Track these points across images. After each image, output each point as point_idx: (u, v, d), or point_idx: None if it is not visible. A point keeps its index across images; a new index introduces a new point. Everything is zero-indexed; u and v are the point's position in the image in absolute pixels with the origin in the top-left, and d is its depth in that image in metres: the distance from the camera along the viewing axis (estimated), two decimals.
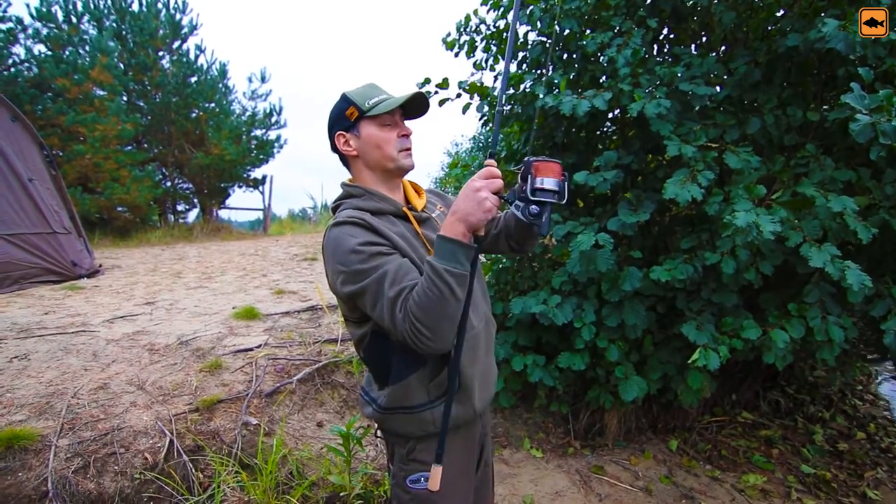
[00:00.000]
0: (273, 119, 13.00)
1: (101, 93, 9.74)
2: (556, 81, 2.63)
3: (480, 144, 10.78)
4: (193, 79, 11.76)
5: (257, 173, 13.45)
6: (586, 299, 2.57)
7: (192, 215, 13.50)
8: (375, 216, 1.14)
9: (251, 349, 3.11)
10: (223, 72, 12.47)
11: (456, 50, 3.22)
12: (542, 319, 2.48)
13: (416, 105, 1.21)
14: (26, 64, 9.85)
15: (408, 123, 1.24)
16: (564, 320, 2.44)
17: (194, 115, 11.79)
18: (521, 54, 3.16)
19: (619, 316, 2.47)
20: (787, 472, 2.76)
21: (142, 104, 11.45)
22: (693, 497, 2.53)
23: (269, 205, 13.77)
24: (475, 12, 3.15)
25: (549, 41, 2.93)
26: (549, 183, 1.02)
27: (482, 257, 2.49)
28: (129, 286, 5.14)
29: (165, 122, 11.51)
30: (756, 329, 2.19)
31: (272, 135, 13.13)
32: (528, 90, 2.71)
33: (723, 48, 2.79)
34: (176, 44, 11.85)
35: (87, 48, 10.20)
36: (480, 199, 0.98)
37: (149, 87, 11.36)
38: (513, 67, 3.13)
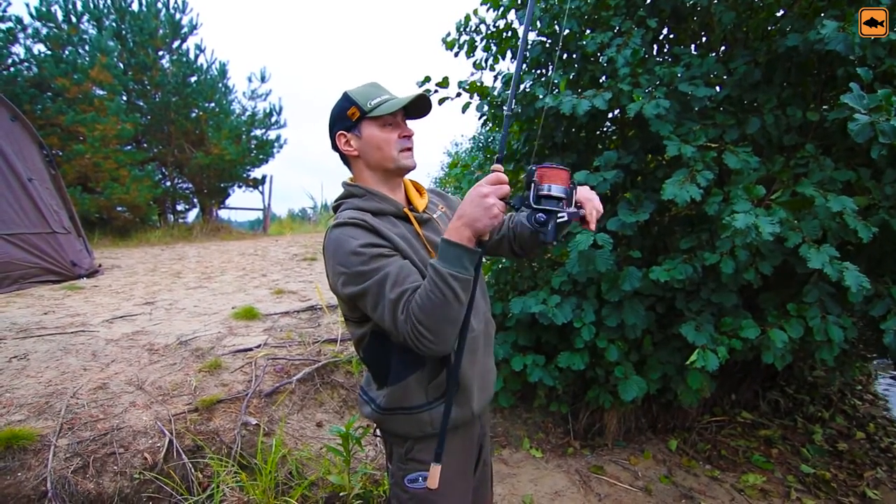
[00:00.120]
0: (273, 119, 13.00)
1: (101, 92, 9.74)
2: (556, 82, 2.63)
3: (480, 144, 10.78)
4: (193, 78, 11.75)
5: (257, 173, 13.45)
6: (586, 299, 2.57)
7: (192, 215, 13.52)
8: (376, 217, 1.14)
9: (251, 349, 3.11)
10: (223, 71, 12.47)
11: (456, 50, 3.22)
12: (542, 319, 2.48)
13: (418, 106, 1.21)
14: (26, 63, 9.85)
15: (409, 124, 1.23)
16: (564, 320, 2.44)
17: (194, 114, 11.78)
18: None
19: (619, 316, 2.47)
20: (787, 471, 2.76)
21: (141, 104, 11.45)
22: (693, 497, 2.53)
23: (269, 205, 13.77)
24: (475, 12, 3.14)
25: (549, 41, 2.93)
26: (556, 190, 1.01)
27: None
28: (128, 286, 5.13)
29: (165, 121, 11.51)
30: (755, 329, 2.19)
31: (272, 134, 13.14)
32: (528, 90, 2.71)
33: (722, 48, 2.79)
34: (176, 43, 11.84)
35: (87, 48, 10.20)
36: (487, 205, 0.96)
37: (148, 87, 11.35)
38: (512, 67, 3.12)
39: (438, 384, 1.16)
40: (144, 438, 2.16)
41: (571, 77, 2.76)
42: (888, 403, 3.82)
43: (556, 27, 2.80)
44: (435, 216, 1.28)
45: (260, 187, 13.63)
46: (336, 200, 1.25)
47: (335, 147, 1.23)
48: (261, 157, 12.95)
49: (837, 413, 3.42)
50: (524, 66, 3.15)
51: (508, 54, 3.17)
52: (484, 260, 3.37)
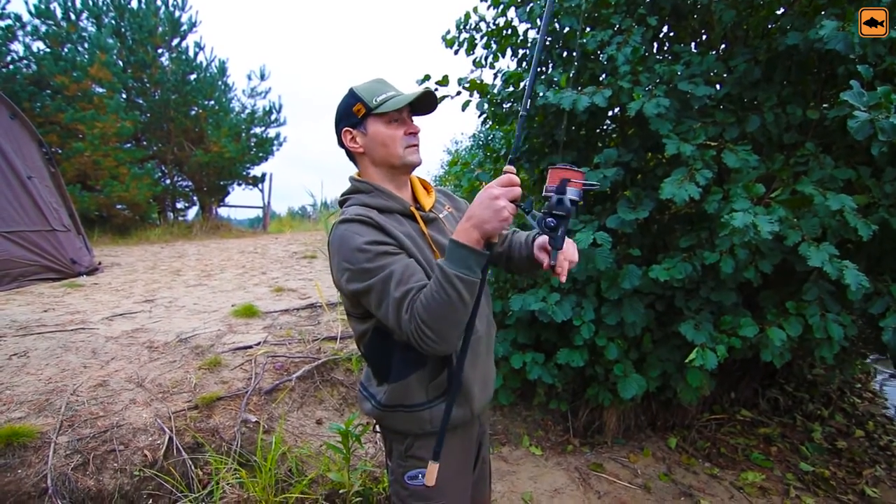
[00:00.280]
0: (272, 117, 12.98)
1: (100, 90, 9.72)
2: (555, 79, 2.63)
3: (480, 142, 10.76)
4: (193, 76, 11.73)
5: (257, 171, 13.45)
6: (585, 297, 2.57)
7: (192, 213, 13.52)
8: (382, 214, 1.14)
9: (250, 347, 3.11)
10: (222, 69, 12.45)
11: (456, 47, 3.22)
12: (542, 317, 2.48)
13: (424, 102, 1.20)
14: (25, 61, 9.84)
15: (415, 120, 1.22)
16: (564, 318, 2.44)
17: (193, 112, 11.77)
18: (520, 52, 3.16)
19: (619, 314, 2.48)
20: (786, 469, 2.76)
21: (141, 102, 11.43)
22: (692, 495, 2.53)
23: (269, 202, 13.77)
24: (475, 10, 3.14)
25: (550, 39, 2.92)
26: (570, 192, 0.99)
27: None
28: (128, 284, 5.13)
29: (165, 119, 11.49)
30: (753, 327, 2.19)
31: (272, 132, 13.14)
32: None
33: (723, 46, 2.79)
34: (175, 41, 11.82)
35: (86, 45, 10.17)
36: (497, 207, 0.95)
37: (148, 85, 11.34)
38: (512, 65, 3.12)
39: (439, 383, 1.16)
40: (144, 435, 2.16)
41: (571, 75, 2.76)
42: (887, 401, 3.82)
43: (556, 25, 2.80)
44: (441, 216, 1.28)
45: (259, 185, 13.63)
46: (343, 195, 1.25)
47: (341, 144, 1.23)
48: (260, 155, 12.94)
49: (837, 411, 3.42)
50: (523, 64, 3.15)
51: (508, 52, 3.16)
52: None
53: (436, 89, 2.88)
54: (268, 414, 2.53)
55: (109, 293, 4.64)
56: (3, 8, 9.47)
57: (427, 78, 2.85)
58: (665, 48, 2.99)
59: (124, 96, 10.70)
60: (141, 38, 10.93)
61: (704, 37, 2.88)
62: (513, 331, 2.82)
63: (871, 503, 2.49)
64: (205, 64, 12.05)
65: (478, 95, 3.02)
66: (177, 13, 11.61)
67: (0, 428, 2.00)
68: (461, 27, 3.19)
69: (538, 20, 2.72)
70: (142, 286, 5.02)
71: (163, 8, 11.44)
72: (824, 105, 2.38)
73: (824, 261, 1.88)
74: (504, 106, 2.91)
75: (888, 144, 1.75)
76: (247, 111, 12.84)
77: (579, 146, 2.92)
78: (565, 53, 2.96)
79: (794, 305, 2.18)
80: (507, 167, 1.02)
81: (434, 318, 0.97)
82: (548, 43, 2.94)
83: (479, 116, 3.15)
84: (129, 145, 10.72)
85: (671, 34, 2.98)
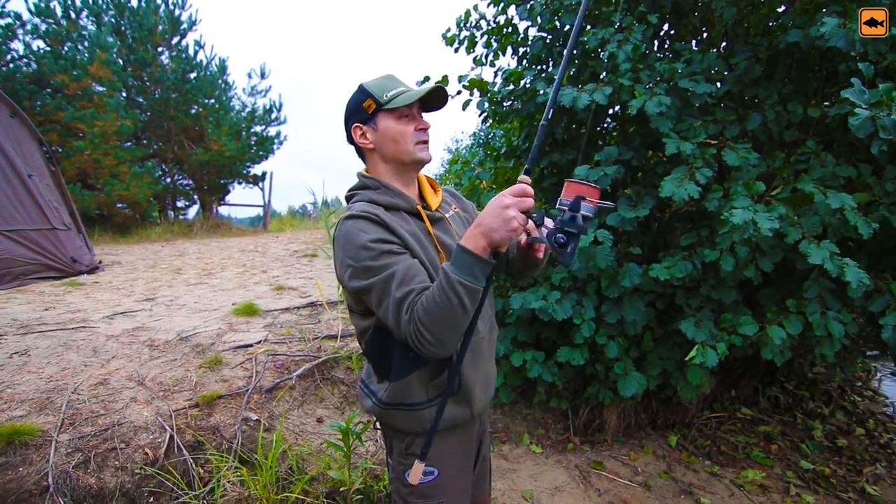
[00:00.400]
0: (273, 115, 12.98)
1: (100, 89, 9.71)
2: (556, 77, 2.62)
3: (480, 141, 10.76)
4: (193, 75, 11.72)
5: (257, 170, 13.44)
6: (586, 295, 2.57)
7: (192, 212, 13.52)
8: (389, 211, 1.13)
9: (251, 345, 3.12)
10: (222, 68, 12.44)
11: (456, 45, 3.21)
12: (542, 315, 2.48)
13: (434, 98, 1.20)
14: (25, 60, 9.83)
15: (425, 116, 1.22)
16: (564, 316, 2.44)
17: (194, 111, 11.77)
18: (521, 50, 3.15)
19: (619, 312, 2.48)
20: (786, 467, 2.76)
21: (141, 100, 11.43)
22: (692, 492, 2.54)
23: (269, 201, 13.76)
24: (475, 7, 3.14)
25: (550, 37, 2.92)
26: (584, 209, 0.97)
27: None
28: (128, 282, 5.14)
29: (165, 118, 11.49)
30: (753, 325, 2.19)
31: (272, 131, 13.13)
32: (528, 86, 2.71)
33: (723, 44, 2.78)
34: (175, 39, 11.81)
35: (86, 44, 10.16)
36: (507, 217, 0.94)
37: (148, 83, 11.33)
38: (513, 63, 3.11)
39: (440, 383, 1.16)
40: (145, 434, 2.16)
41: (572, 73, 2.75)
42: (888, 399, 3.82)
43: (557, 23, 2.80)
44: (447, 216, 1.27)
45: (260, 184, 13.63)
46: (350, 190, 1.24)
47: (350, 140, 1.22)
48: (261, 153, 12.94)
49: (837, 409, 3.42)
50: (524, 62, 3.14)
51: (509, 50, 3.16)
52: None
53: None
54: (268, 412, 2.53)
55: (110, 292, 4.64)
56: (3, 6, 9.47)
57: (427, 79, 2.85)
58: (666, 46, 2.98)
59: (124, 95, 10.70)
60: (141, 36, 10.91)
61: (705, 34, 2.88)
62: (513, 329, 2.82)
63: (871, 501, 2.49)
64: (205, 62, 12.04)
65: (478, 94, 3.01)
66: (177, 11, 11.60)
67: (1, 426, 2.00)
68: (461, 25, 3.19)
69: (538, 18, 2.72)
70: (142, 285, 5.02)
71: (163, 6, 11.42)
72: (825, 103, 2.38)
73: (825, 258, 1.88)
74: (504, 104, 2.91)
75: (888, 143, 1.75)
76: (247, 110, 12.84)
77: (580, 144, 2.91)
78: (565, 51, 2.95)
79: (794, 303, 2.18)
80: (522, 177, 1.01)
81: (433, 322, 0.97)
82: (548, 41, 2.93)
83: (480, 115, 3.14)
84: (129, 144, 10.72)
85: (672, 32, 2.97)
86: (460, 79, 2.98)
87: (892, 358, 3.47)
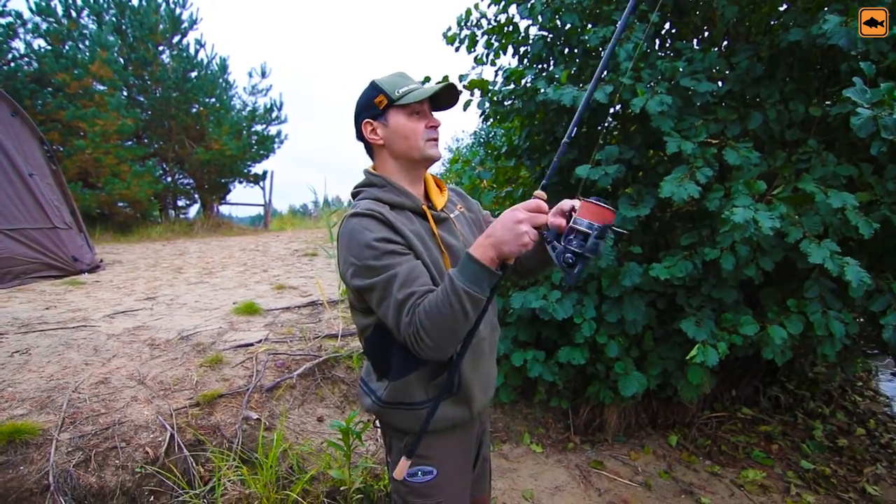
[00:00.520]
0: (273, 114, 12.98)
1: (101, 88, 9.72)
2: (556, 76, 2.62)
3: (481, 140, 10.75)
4: (193, 74, 11.73)
5: (258, 169, 13.47)
6: (586, 295, 2.57)
7: (193, 211, 13.54)
8: (394, 210, 1.13)
9: (252, 344, 3.12)
10: (223, 67, 12.44)
11: (457, 44, 3.21)
12: (542, 315, 2.48)
13: (445, 97, 1.20)
14: (26, 59, 9.84)
15: (436, 115, 1.21)
16: (564, 315, 2.44)
17: (194, 110, 11.77)
18: (522, 49, 3.15)
19: (619, 311, 2.47)
20: (787, 467, 2.76)
21: (142, 99, 11.44)
22: (692, 492, 2.53)
23: (270, 200, 13.77)
24: (476, 6, 3.13)
25: (551, 36, 2.91)
26: (595, 230, 0.96)
27: None
28: (129, 281, 5.14)
29: (166, 117, 11.49)
30: (754, 325, 2.19)
31: (273, 130, 13.14)
32: (529, 85, 2.70)
33: (725, 42, 2.77)
34: (176, 38, 11.82)
35: (87, 43, 10.16)
36: (519, 231, 0.94)
37: (149, 82, 11.34)
38: (513, 62, 3.11)
39: (439, 383, 1.16)
40: (146, 433, 2.17)
41: (573, 72, 2.75)
42: (889, 399, 3.82)
43: (558, 21, 2.79)
44: (452, 216, 1.27)
45: (261, 183, 13.64)
46: (356, 187, 1.24)
47: (360, 136, 1.22)
48: (261, 152, 12.95)
49: (838, 409, 3.42)
50: (525, 61, 3.14)
51: (510, 49, 3.15)
52: None
53: None
54: (269, 411, 2.53)
55: (111, 291, 4.65)
56: (4, 5, 9.48)
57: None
58: (667, 45, 2.97)
59: (125, 94, 10.71)
60: (142, 35, 10.92)
61: (706, 33, 2.87)
62: (514, 328, 2.82)
63: (871, 501, 2.49)
64: (206, 61, 12.05)
65: (479, 94, 3.01)
66: (177, 10, 11.60)
67: (2, 425, 2.00)
68: (462, 24, 3.18)
69: (539, 16, 2.71)
70: (143, 284, 5.03)
71: (163, 5, 11.42)
72: (827, 102, 2.37)
73: (825, 257, 1.87)
74: (505, 104, 2.90)
75: (888, 143, 1.74)
76: (248, 109, 12.85)
77: (580, 143, 2.91)
78: (567, 50, 2.95)
79: (795, 303, 2.17)
80: (538, 192, 1.00)
81: (434, 327, 0.97)
82: (549, 40, 2.93)
83: (480, 115, 3.14)
84: (130, 143, 10.73)
85: (673, 31, 2.96)
86: (461, 78, 2.97)
87: (893, 358, 3.46)
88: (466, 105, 3.04)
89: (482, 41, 3.16)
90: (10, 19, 9.56)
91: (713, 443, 2.95)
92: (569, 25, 2.76)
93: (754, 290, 2.48)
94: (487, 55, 3.17)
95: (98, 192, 9.61)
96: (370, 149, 1.23)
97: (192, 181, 13.00)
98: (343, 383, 3.01)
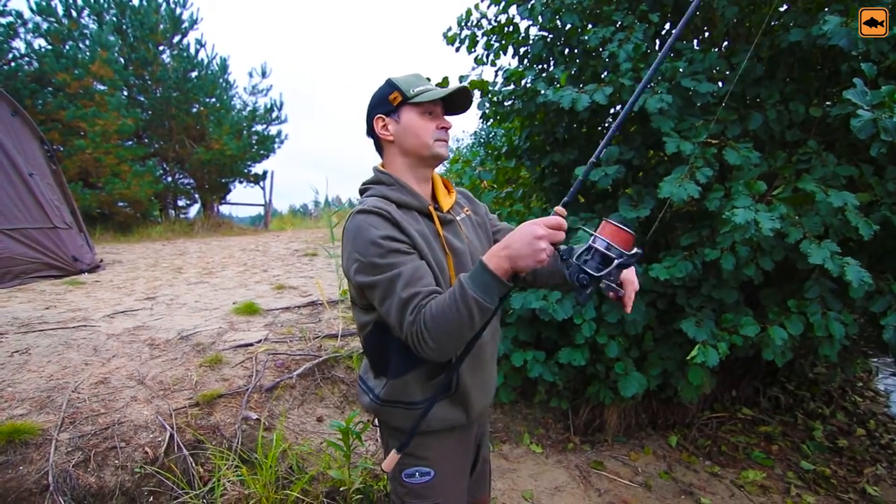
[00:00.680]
0: (274, 114, 12.99)
1: (102, 87, 9.72)
2: (556, 77, 2.62)
3: (482, 140, 10.75)
4: (194, 74, 11.74)
5: (258, 168, 13.47)
6: None
7: (193, 211, 13.55)
8: (400, 209, 1.13)
9: (251, 344, 3.12)
10: (224, 67, 12.44)
11: (457, 45, 3.21)
12: (542, 315, 2.48)
13: (457, 101, 1.21)
14: (26, 58, 9.84)
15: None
16: (564, 316, 2.44)
17: (195, 110, 11.78)
18: (522, 49, 3.15)
19: (619, 312, 2.47)
20: (787, 468, 2.76)
21: (142, 99, 11.44)
22: (692, 493, 2.53)
23: (270, 200, 13.77)
24: (476, 7, 3.13)
25: (551, 36, 2.91)
26: (614, 252, 0.95)
27: None
28: (129, 281, 5.14)
29: (166, 117, 11.50)
30: (754, 326, 2.19)
31: (273, 130, 13.15)
32: (529, 86, 2.70)
33: (725, 43, 2.77)
34: (176, 38, 11.82)
35: (88, 43, 10.17)
36: (538, 248, 0.94)
37: (149, 82, 11.34)
38: (514, 62, 3.10)
39: (437, 383, 1.16)
40: (145, 433, 2.17)
41: (573, 72, 2.75)
42: (889, 400, 3.82)
43: (558, 22, 2.79)
44: (458, 218, 1.27)
45: (261, 183, 13.64)
46: (364, 184, 1.24)
47: (370, 131, 1.23)
48: (262, 152, 12.95)
49: (838, 409, 3.42)
50: (525, 61, 3.13)
51: (510, 50, 3.15)
52: None
53: None
54: (268, 411, 2.53)
55: (111, 291, 4.65)
56: (5, 5, 9.48)
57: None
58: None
59: (126, 94, 10.71)
60: (142, 35, 10.92)
61: (707, 34, 2.87)
62: (514, 329, 2.82)
63: (872, 502, 2.49)
64: (206, 61, 12.06)
65: (479, 94, 3.01)
66: (178, 10, 11.61)
67: (2, 425, 2.00)
68: (462, 24, 3.18)
69: (539, 17, 2.71)
70: (143, 284, 5.03)
71: (164, 5, 11.43)
72: (827, 102, 2.37)
73: (826, 258, 1.87)
74: (505, 104, 2.90)
75: (888, 144, 1.74)
76: (248, 108, 12.86)
77: (580, 143, 2.91)
78: (567, 51, 2.94)
79: (795, 304, 2.17)
80: (559, 209, 1.00)
81: (439, 330, 0.97)
82: (549, 40, 2.93)
83: (480, 116, 3.14)
84: (130, 143, 10.73)
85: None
86: (461, 79, 2.97)
87: (893, 358, 3.46)
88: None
89: (482, 42, 3.16)
90: (10, 19, 9.56)
91: (713, 443, 2.95)
92: (569, 26, 2.76)
93: (754, 291, 2.48)
94: (487, 55, 3.17)
95: (98, 192, 9.61)
96: (379, 145, 1.24)
97: (192, 181, 13.00)
98: (343, 383, 3.01)
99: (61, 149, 9.24)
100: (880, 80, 1.96)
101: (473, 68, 3.21)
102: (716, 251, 2.13)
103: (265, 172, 13.57)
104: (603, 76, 2.67)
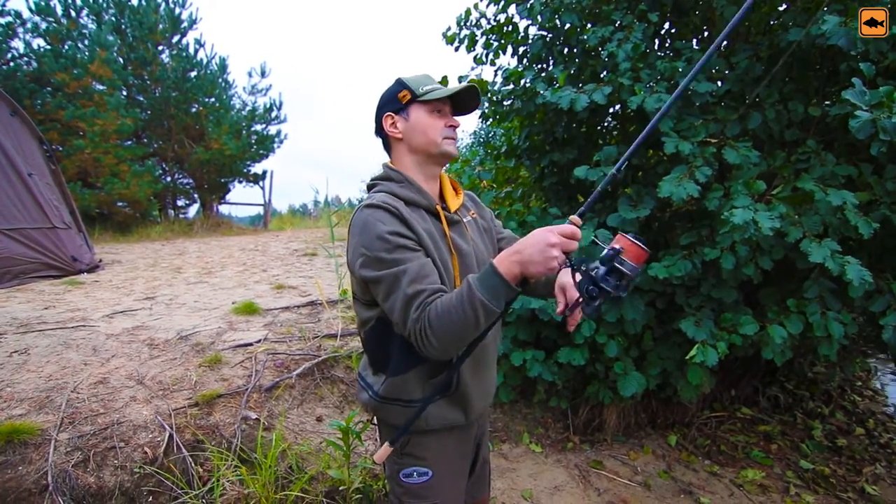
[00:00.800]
0: (273, 114, 12.98)
1: (101, 87, 9.71)
2: (555, 77, 2.62)
3: (481, 139, 10.75)
4: (193, 73, 11.73)
5: (257, 168, 13.46)
6: None
7: (193, 210, 13.53)
8: (408, 206, 1.13)
9: (251, 344, 3.11)
10: (223, 66, 12.43)
11: (456, 44, 3.21)
12: (542, 315, 2.48)
13: (465, 102, 1.22)
14: (25, 58, 9.83)
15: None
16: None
17: (194, 109, 11.76)
18: (521, 49, 3.15)
19: (619, 311, 2.47)
20: (786, 467, 2.76)
21: (141, 99, 11.42)
22: (692, 492, 2.53)
23: (270, 200, 13.76)
24: (475, 6, 3.13)
25: (550, 35, 2.91)
26: (627, 267, 0.96)
27: None
28: (128, 281, 5.14)
29: (165, 116, 11.49)
30: (754, 325, 2.19)
31: (272, 130, 13.13)
32: (528, 85, 2.70)
33: (724, 42, 2.77)
34: (175, 38, 11.81)
35: (87, 42, 10.15)
36: (550, 255, 0.93)
37: (148, 82, 11.33)
38: (513, 62, 3.10)
39: (437, 382, 1.16)
40: (145, 433, 2.16)
41: (572, 72, 2.74)
42: (888, 399, 3.82)
43: (557, 21, 2.79)
44: (465, 220, 1.27)
45: (260, 183, 13.63)
46: (372, 180, 1.25)
47: (379, 129, 1.23)
48: (261, 152, 12.94)
49: (837, 409, 3.42)
50: (524, 61, 3.13)
51: (509, 49, 3.15)
52: None
53: None
54: (268, 411, 2.53)
55: (110, 291, 4.64)
56: (4, 5, 9.47)
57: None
58: (666, 45, 2.97)
59: (125, 93, 10.70)
60: (141, 35, 10.91)
61: (706, 33, 2.87)
62: (513, 328, 2.82)
63: (871, 501, 2.49)
64: (205, 61, 12.04)
65: None
66: (177, 10, 11.59)
67: (1, 425, 2.00)
68: (462, 24, 3.18)
69: (538, 16, 2.71)
70: (142, 283, 5.02)
71: (163, 5, 11.42)
72: (826, 102, 2.37)
73: (826, 257, 1.87)
74: (504, 104, 2.90)
75: (887, 144, 1.74)
76: (247, 108, 12.84)
77: (579, 143, 2.91)
78: (566, 50, 2.95)
79: (794, 303, 2.17)
80: (574, 218, 0.99)
81: (443, 329, 0.97)
82: (548, 39, 2.93)
83: (480, 116, 3.14)
84: (129, 143, 10.72)
85: (672, 31, 2.97)
86: (460, 79, 2.97)
87: (892, 358, 3.46)
88: None
89: (481, 41, 3.16)
90: (9, 19, 9.54)
91: (712, 443, 2.95)
92: (568, 25, 2.76)
93: (754, 290, 2.48)
94: (487, 55, 3.17)
95: (97, 192, 9.60)
96: (388, 143, 1.25)
97: (191, 181, 12.99)
98: (342, 383, 3.01)
99: (60, 149, 9.23)
100: (879, 80, 1.96)
101: (473, 68, 3.22)
102: (715, 250, 2.13)
103: (264, 172, 13.58)
104: (602, 76, 2.67)
